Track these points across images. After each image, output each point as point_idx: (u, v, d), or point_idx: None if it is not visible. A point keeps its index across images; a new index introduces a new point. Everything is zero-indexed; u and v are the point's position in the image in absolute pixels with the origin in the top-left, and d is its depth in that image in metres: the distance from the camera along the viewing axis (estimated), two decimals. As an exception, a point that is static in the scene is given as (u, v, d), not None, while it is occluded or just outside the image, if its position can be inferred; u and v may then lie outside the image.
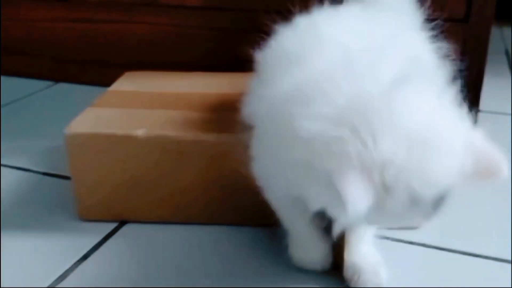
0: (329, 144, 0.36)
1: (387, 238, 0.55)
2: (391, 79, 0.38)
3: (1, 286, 0.49)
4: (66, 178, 0.68)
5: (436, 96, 0.39)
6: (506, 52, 1.25)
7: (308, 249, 0.49)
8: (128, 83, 0.69)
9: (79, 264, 0.52)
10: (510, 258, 0.53)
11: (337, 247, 0.49)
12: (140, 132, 0.54)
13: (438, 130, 0.37)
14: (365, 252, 0.48)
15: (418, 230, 0.56)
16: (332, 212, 0.39)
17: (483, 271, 0.51)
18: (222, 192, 0.55)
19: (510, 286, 0.49)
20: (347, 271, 0.48)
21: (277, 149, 0.41)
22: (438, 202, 0.38)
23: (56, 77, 1.06)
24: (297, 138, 0.38)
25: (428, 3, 0.76)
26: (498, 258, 0.53)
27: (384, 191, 0.35)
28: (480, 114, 0.86)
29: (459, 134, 0.38)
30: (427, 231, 0.56)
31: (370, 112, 0.36)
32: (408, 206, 0.37)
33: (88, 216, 0.58)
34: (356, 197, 0.34)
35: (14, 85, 1.04)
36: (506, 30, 1.45)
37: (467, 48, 0.78)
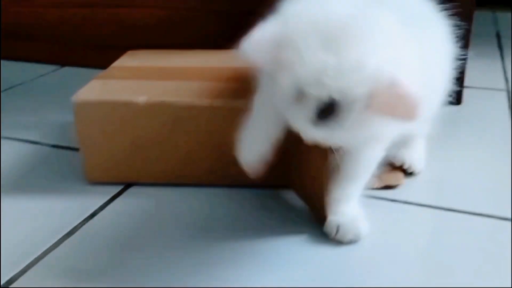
0: None
1: (382, 198, 0.59)
2: None
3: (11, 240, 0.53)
4: (74, 149, 0.73)
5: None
6: (497, 35, 1.29)
7: (253, 143, 0.51)
8: (130, 60, 0.73)
9: (87, 221, 0.56)
10: (510, 216, 0.55)
11: (320, 203, 0.53)
12: (141, 99, 0.58)
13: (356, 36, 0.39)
14: (346, 207, 0.51)
15: (414, 189, 0.60)
16: None
17: (482, 229, 0.54)
18: (221, 154, 0.59)
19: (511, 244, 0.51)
20: (328, 225, 0.51)
21: None
22: (324, 112, 0.39)
23: (62, 61, 1.10)
24: None
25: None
26: (498, 216, 0.55)
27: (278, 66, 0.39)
28: (468, 90, 0.89)
29: (377, 60, 0.38)
30: (424, 191, 0.60)
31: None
32: (293, 98, 0.40)
33: (95, 179, 0.62)
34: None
35: (21, 69, 1.09)
36: (499, 14, 1.49)
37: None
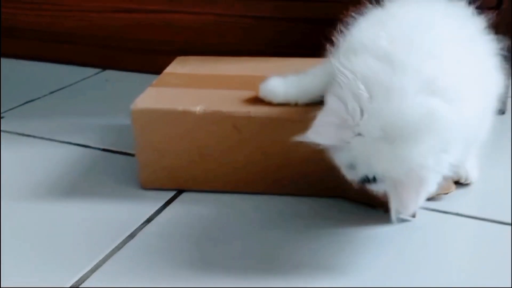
0: None
1: (434, 210, 0.59)
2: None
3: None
4: (123, 153, 0.75)
5: None
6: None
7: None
8: (181, 67, 0.75)
9: (144, 226, 0.58)
10: None
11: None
12: (198, 108, 0.60)
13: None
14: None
15: (465, 201, 0.61)
16: None
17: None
18: (275, 163, 0.61)
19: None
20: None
21: None
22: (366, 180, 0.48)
23: (104, 64, 1.13)
24: None
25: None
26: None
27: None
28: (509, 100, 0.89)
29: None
30: (476, 203, 0.61)
31: None
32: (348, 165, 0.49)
33: (149, 185, 0.64)
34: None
35: (65, 72, 1.12)
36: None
37: (500, 35, 0.81)
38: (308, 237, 0.55)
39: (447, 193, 0.61)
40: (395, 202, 0.47)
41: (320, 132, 0.47)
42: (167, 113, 0.60)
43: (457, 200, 0.61)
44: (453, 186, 0.62)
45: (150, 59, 1.05)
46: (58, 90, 1.03)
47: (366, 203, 0.60)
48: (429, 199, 0.60)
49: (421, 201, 0.46)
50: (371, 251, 0.53)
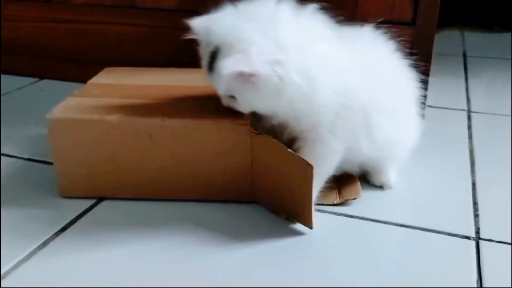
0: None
1: (340, 214, 0.62)
2: None
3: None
4: (49, 163, 0.75)
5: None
6: (464, 54, 1.35)
7: None
8: (107, 77, 0.76)
9: (58, 235, 0.59)
10: (470, 234, 0.58)
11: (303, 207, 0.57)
12: (112, 117, 0.61)
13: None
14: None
15: (372, 206, 0.63)
16: None
17: (439, 246, 0.57)
18: (190, 170, 0.62)
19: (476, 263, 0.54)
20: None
21: None
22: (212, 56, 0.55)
23: (41, 74, 1.12)
24: None
25: (377, 8, 0.85)
26: (453, 234, 0.59)
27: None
28: (430, 110, 0.94)
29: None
30: (382, 207, 0.64)
31: None
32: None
33: (68, 193, 0.65)
34: None
35: (1, 81, 1.10)
36: (467, 34, 1.55)
37: (415, 49, 0.86)
38: (218, 248, 0.57)
39: (355, 198, 0.64)
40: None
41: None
42: (82, 122, 0.61)
43: (365, 204, 0.64)
44: (361, 191, 0.65)
45: (86, 69, 1.05)
46: (-8, 99, 1.01)
47: (273, 211, 0.62)
48: (338, 204, 0.64)
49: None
50: (272, 260, 0.55)
